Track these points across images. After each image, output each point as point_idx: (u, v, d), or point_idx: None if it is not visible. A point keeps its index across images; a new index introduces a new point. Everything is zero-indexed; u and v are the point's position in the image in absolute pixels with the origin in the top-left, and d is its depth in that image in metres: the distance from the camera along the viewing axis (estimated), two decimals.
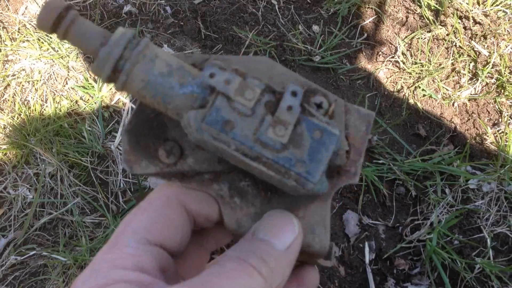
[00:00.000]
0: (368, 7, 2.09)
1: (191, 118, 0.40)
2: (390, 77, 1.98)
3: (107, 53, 0.40)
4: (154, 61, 0.41)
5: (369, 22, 2.08)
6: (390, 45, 2.04)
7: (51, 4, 0.40)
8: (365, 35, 2.06)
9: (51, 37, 1.94)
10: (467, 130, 1.87)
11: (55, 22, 0.40)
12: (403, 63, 1.99)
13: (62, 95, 1.82)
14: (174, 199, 0.45)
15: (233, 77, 0.42)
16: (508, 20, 2.03)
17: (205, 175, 0.46)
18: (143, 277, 0.37)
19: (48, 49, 1.91)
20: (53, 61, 1.89)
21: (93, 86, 1.82)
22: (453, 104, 1.92)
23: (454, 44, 2.01)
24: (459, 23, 2.02)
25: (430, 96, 1.92)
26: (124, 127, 0.46)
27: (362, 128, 0.48)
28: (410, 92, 1.93)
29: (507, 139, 1.79)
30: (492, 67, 1.95)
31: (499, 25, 2.02)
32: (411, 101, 1.92)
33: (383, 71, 2.00)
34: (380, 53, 2.03)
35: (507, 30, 2.02)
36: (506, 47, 1.99)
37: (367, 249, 1.65)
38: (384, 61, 2.01)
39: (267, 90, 0.43)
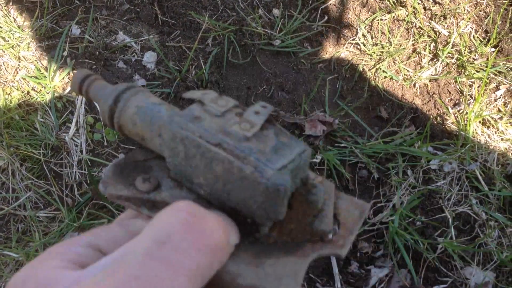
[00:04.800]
0: None
1: (166, 117, 0.44)
2: (352, 59, 1.96)
3: (114, 88, 0.48)
4: (149, 96, 0.48)
5: (330, 4, 2.05)
6: (351, 27, 2.02)
7: (76, 74, 0.51)
8: (326, 17, 2.03)
9: (1, 27, 1.86)
10: (428, 110, 1.86)
11: (79, 87, 0.51)
12: (364, 45, 1.97)
13: (12, 86, 1.75)
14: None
15: (211, 92, 0.45)
16: None
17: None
18: None
19: None
20: (3, 51, 1.81)
21: (45, 76, 1.75)
22: (414, 85, 1.91)
23: (414, 25, 2.00)
24: (418, 3, 2.01)
25: (391, 78, 1.91)
26: (114, 161, 0.51)
27: (355, 213, 0.46)
28: (371, 74, 1.91)
29: (467, 119, 1.79)
30: (452, 47, 1.94)
31: (458, 5, 2.01)
32: (373, 83, 1.91)
33: (344, 54, 1.97)
34: (341, 35, 2.01)
35: (467, 9, 2.02)
36: (466, 26, 1.98)
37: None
38: (345, 44, 1.99)
39: (241, 107, 0.44)
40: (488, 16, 2.01)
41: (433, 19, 2.00)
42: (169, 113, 0.46)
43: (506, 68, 1.90)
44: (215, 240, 0.34)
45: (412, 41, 1.97)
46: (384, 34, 1.98)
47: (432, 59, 1.95)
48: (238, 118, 0.42)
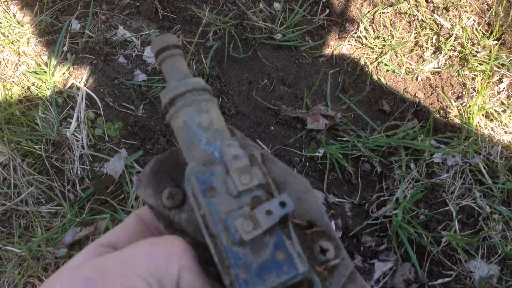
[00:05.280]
0: None
1: (189, 167, 0.43)
2: (353, 53, 1.95)
3: (173, 87, 0.48)
4: (201, 113, 0.47)
5: None
6: (353, 21, 2.00)
7: (165, 37, 0.50)
8: (327, 11, 2.02)
9: (0, 22, 1.85)
10: (431, 104, 1.85)
11: (158, 52, 0.50)
12: (366, 38, 1.95)
13: (12, 81, 1.74)
14: (134, 214, 0.51)
15: (243, 157, 0.43)
16: None
17: (186, 237, 0.45)
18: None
19: None
20: (3, 47, 1.80)
21: (45, 71, 1.74)
22: (416, 79, 1.90)
23: (416, 17, 1.98)
24: None
25: (393, 71, 1.90)
26: (157, 155, 0.50)
27: None
28: (373, 67, 1.90)
29: (470, 112, 1.77)
30: (454, 40, 1.93)
31: None
32: (375, 76, 1.90)
33: (346, 47, 1.96)
34: (343, 29, 2.00)
35: (469, 2, 2.00)
36: (468, 19, 1.97)
37: (333, 227, 1.62)
38: (347, 37, 1.97)
39: (265, 188, 0.42)
40: (490, 8, 2.00)
41: (435, 11, 1.99)
42: (201, 152, 0.45)
43: (509, 61, 1.89)
44: (168, 240, 0.42)
45: (414, 34, 1.96)
46: (386, 27, 1.97)
47: (434, 52, 1.94)
48: (248, 209, 0.41)
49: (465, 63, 1.90)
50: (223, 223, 0.40)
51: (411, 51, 1.95)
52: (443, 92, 1.86)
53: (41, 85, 1.74)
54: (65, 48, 1.79)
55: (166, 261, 0.39)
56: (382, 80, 1.88)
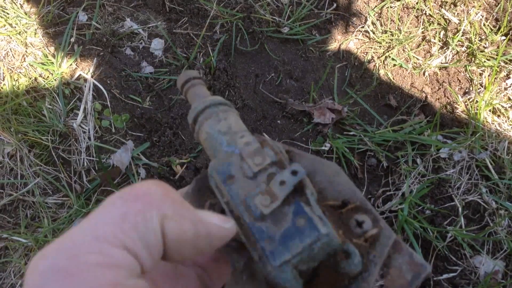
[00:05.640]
0: None
1: (210, 164, 0.46)
2: (360, 47, 1.94)
3: (194, 107, 0.54)
4: (220, 121, 0.51)
5: None
6: (360, 15, 2.00)
7: (186, 73, 0.58)
8: (335, 5, 2.01)
9: (8, 13, 1.85)
10: (438, 99, 1.85)
11: (182, 85, 0.58)
12: (373, 33, 1.95)
13: (20, 72, 1.74)
14: None
15: (254, 142, 0.46)
16: None
17: (233, 242, 0.47)
18: None
19: (4, 25, 1.82)
20: (10, 38, 1.80)
21: (52, 63, 1.74)
22: (423, 73, 1.89)
23: (424, 12, 1.98)
24: None
25: (401, 66, 1.89)
26: (197, 176, 0.55)
27: (406, 276, 0.43)
28: (381, 62, 1.90)
29: (477, 107, 1.77)
30: (462, 35, 1.92)
31: None
32: (382, 71, 1.89)
33: (353, 42, 1.96)
34: (350, 23, 1.99)
35: None
36: (476, 14, 1.96)
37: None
38: (354, 32, 1.97)
39: (278, 165, 0.44)
40: (498, 4, 1.99)
41: (443, 6, 1.98)
42: (223, 154, 0.48)
43: None
44: (141, 191, 0.38)
45: (422, 28, 1.95)
46: (393, 21, 1.96)
47: (442, 47, 1.94)
48: (265, 186, 0.42)
49: (473, 59, 1.90)
50: (244, 203, 0.42)
51: (419, 46, 1.94)
52: (450, 87, 1.85)
53: (48, 76, 1.74)
54: (72, 40, 1.79)
55: (143, 216, 0.36)
56: (389, 74, 1.88)
